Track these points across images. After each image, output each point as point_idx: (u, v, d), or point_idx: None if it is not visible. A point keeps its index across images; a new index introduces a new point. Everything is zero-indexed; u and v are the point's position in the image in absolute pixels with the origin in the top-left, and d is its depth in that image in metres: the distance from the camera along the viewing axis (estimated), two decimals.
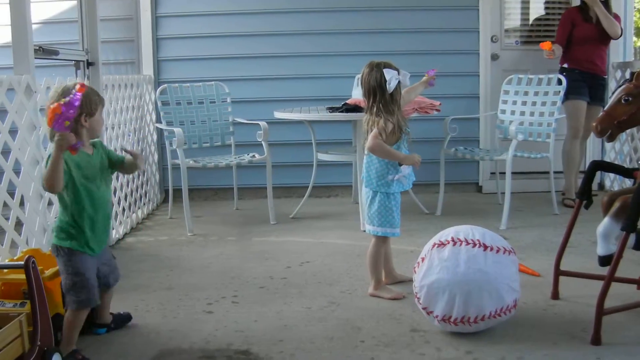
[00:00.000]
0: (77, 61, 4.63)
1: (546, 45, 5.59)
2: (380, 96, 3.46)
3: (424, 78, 3.90)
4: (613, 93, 3.28)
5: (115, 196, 4.98)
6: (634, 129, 5.81)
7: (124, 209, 5.18)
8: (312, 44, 6.43)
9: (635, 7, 10.94)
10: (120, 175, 5.11)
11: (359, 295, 3.63)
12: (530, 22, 6.83)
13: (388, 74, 3.43)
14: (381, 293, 3.60)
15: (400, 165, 3.50)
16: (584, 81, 5.81)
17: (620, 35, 5.85)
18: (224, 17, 6.41)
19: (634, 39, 7.78)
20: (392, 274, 3.83)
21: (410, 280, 3.33)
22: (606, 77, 6.06)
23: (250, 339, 3.07)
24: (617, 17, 5.88)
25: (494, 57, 6.60)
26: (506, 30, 6.73)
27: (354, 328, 3.19)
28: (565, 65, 5.89)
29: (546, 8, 6.78)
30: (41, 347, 2.45)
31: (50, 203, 3.94)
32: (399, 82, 3.48)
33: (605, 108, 3.26)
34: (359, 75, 3.44)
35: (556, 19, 6.41)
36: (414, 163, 3.47)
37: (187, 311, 3.45)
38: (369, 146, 3.48)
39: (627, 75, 3.25)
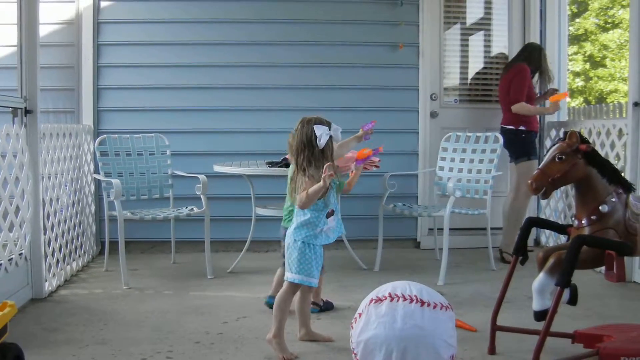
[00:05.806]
0: (15, 108, 4.55)
1: (561, 95, 5.78)
2: (310, 152, 3.45)
3: (359, 133, 3.92)
4: (547, 151, 3.36)
5: (49, 247, 4.86)
6: (568, 187, 5.94)
7: (58, 261, 5.05)
8: (253, 98, 6.46)
9: (568, 69, 11.31)
10: (55, 225, 5.01)
11: (296, 351, 3.58)
12: (469, 79, 6.98)
13: (319, 130, 3.43)
14: (277, 347, 3.48)
15: (327, 217, 3.49)
16: (536, 141, 6.03)
17: None
18: (166, 69, 6.41)
19: (567, 99, 8.03)
20: (308, 329, 3.73)
21: (328, 341, 3.60)
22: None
23: None
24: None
25: (433, 114, 6.71)
26: (445, 89, 6.87)
27: None
28: (523, 128, 5.96)
29: (485, 64, 6.95)
30: None
31: None
32: (330, 137, 3.47)
33: (540, 166, 3.33)
34: None
35: (493, 75, 6.59)
36: (331, 175, 3.30)
37: None
38: (299, 206, 3.48)
39: (561, 135, 3.34)
